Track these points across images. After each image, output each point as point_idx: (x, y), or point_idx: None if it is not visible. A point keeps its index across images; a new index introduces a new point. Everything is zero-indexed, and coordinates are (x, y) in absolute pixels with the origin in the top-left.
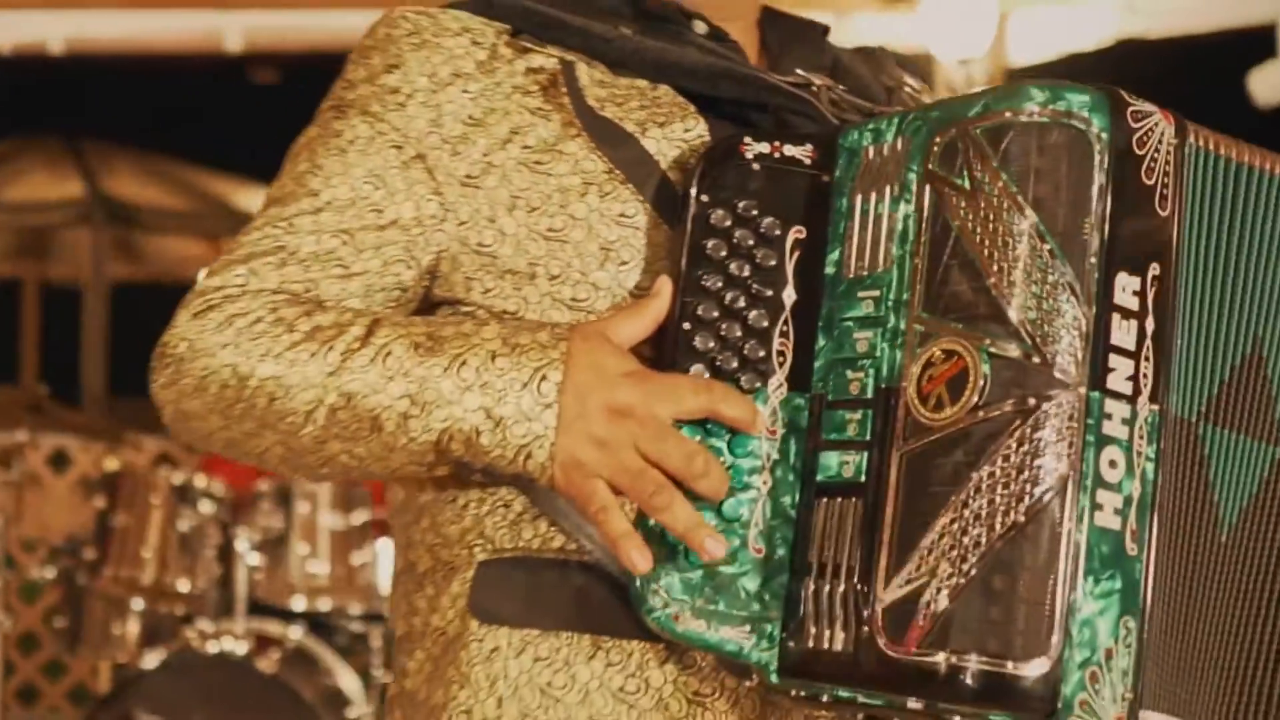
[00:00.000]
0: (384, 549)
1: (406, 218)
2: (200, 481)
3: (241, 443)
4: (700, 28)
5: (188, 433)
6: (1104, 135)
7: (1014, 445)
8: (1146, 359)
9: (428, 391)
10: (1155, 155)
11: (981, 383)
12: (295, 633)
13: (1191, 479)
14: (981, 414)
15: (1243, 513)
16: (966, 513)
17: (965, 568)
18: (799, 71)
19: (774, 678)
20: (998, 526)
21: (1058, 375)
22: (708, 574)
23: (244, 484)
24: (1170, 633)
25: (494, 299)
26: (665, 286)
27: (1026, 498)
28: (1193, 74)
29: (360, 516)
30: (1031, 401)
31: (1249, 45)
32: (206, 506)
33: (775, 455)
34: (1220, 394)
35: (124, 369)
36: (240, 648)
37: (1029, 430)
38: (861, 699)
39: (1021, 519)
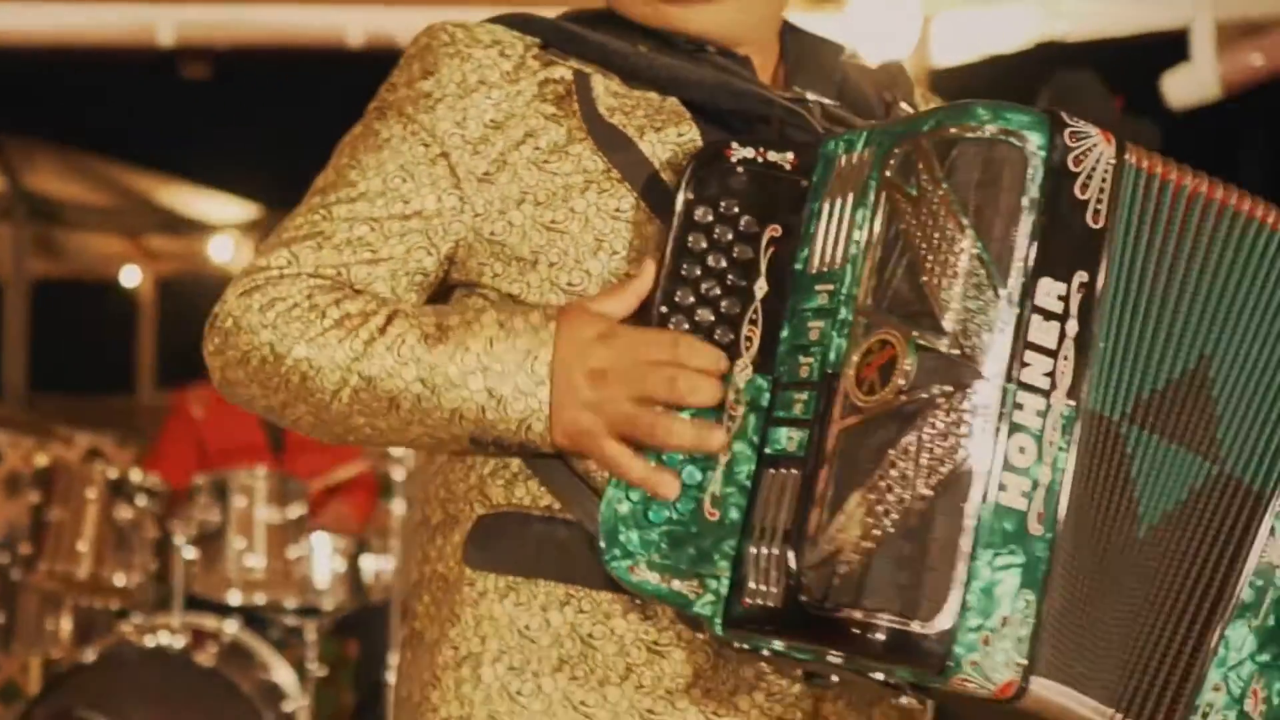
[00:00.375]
0: (319, 543)
1: (429, 209)
2: (136, 476)
3: (277, 410)
4: (711, 46)
5: (232, 396)
6: (1040, 152)
7: (930, 427)
8: (1066, 358)
9: (437, 376)
10: (1091, 173)
11: (908, 370)
12: (231, 627)
13: (1110, 473)
14: (905, 398)
15: (1166, 516)
16: (883, 485)
17: (878, 534)
18: (795, 88)
19: (718, 630)
20: (908, 499)
21: (975, 367)
22: (666, 532)
23: (180, 479)
24: (1077, 610)
25: (501, 283)
26: (649, 267)
27: (936, 474)
28: (1110, 75)
29: (296, 511)
30: (949, 389)
31: (1163, 48)
32: (142, 501)
33: (736, 429)
34: (1153, 401)
35: (45, 365)
36: (177, 642)
37: (944, 414)
38: (794, 653)
39: (930, 493)
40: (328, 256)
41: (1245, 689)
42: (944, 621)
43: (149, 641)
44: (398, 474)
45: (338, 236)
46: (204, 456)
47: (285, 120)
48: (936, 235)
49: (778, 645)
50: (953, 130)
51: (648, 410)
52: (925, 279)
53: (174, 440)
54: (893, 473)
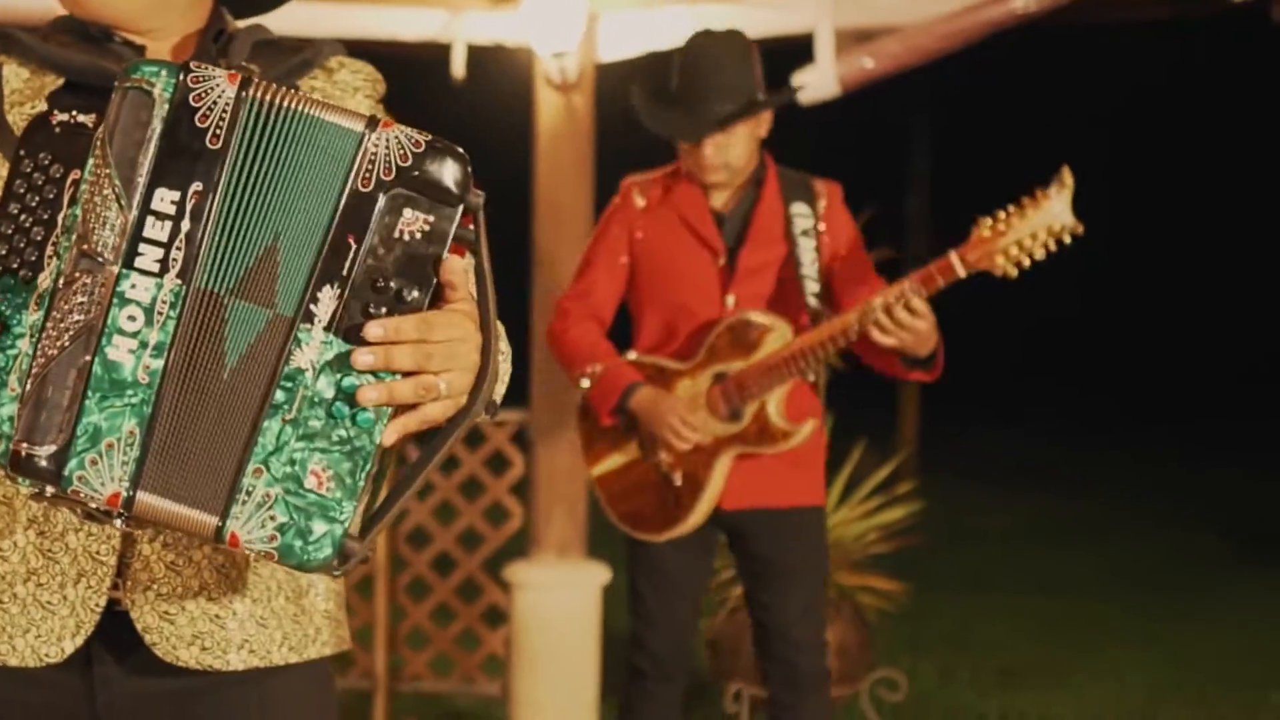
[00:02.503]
0: None
1: None
2: None
3: None
4: (118, 36)
5: None
6: (165, 93)
7: (68, 302)
8: (179, 248)
9: None
10: (212, 106)
11: (68, 264)
12: None
13: (210, 334)
14: (60, 283)
15: (241, 358)
16: (44, 347)
17: (30, 385)
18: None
19: (7, 475)
20: (50, 355)
21: (96, 258)
22: None
23: None
24: (182, 440)
25: None
26: None
27: (65, 337)
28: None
29: None
30: (78, 275)
31: (793, 51)
32: None
33: (30, 327)
34: (246, 276)
35: None
36: None
37: (75, 293)
38: (24, 486)
39: (56, 352)
40: None
41: (295, 471)
42: (54, 446)
43: None
44: None
45: None
46: None
47: None
48: (96, 166)
49: (19, 479)
50: (122, 83)
51: None
52: (89, 200)
53: None
54: (50, 336)
